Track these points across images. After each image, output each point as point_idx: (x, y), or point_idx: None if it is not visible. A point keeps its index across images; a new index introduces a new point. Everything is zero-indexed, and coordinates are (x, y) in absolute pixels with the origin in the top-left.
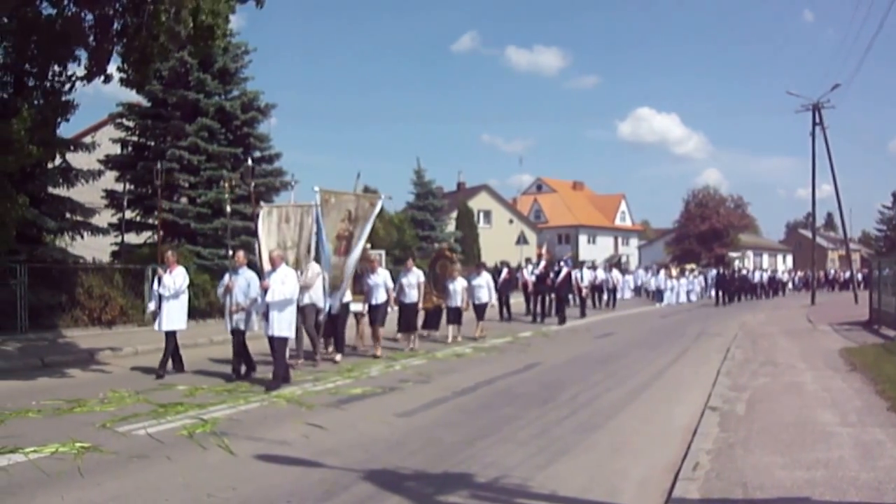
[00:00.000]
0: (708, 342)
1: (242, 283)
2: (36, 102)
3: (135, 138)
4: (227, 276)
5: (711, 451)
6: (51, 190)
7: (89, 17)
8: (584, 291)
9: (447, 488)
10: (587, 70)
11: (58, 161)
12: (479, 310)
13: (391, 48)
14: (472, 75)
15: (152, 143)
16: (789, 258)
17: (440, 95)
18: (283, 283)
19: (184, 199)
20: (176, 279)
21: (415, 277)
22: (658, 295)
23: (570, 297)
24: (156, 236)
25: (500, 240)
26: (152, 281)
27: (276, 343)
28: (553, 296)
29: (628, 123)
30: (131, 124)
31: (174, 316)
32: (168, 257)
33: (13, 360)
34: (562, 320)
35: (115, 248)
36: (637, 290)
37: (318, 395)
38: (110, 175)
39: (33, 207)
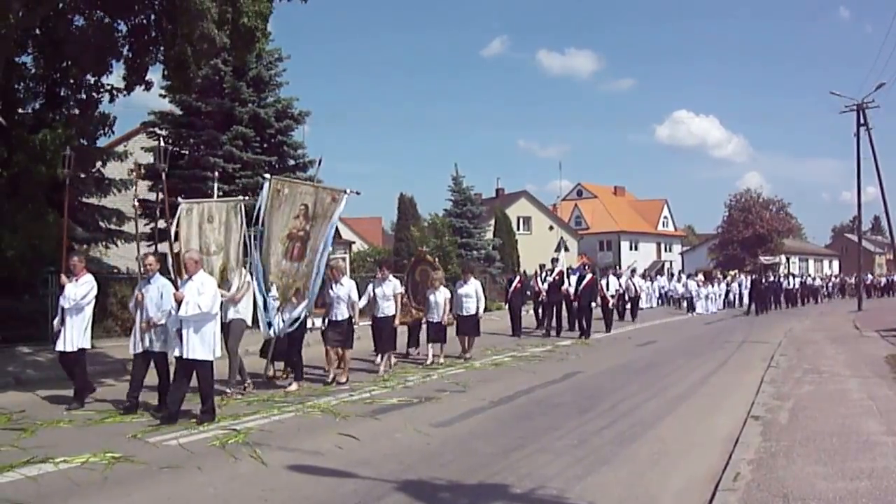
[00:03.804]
0: (752, 350)
1: (155, 293)
2: (69, 113)
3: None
4: (137, 288)
5: (753, 461)
6: (83, 199)
7: (122, 26)
8: (611, 302)
9: (481, 499)
10: (622, 73)
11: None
12: (467, 323)
13: (421, 55)
14: (505, 80)
15: (186, 152)
16: (835, 263)
17: (473, 101)
18: (201, 294)
19: None
20: (79, 289)
21: (391, 288)
22: (689, 303)
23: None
24: None
25: (539, 247)
26: (58, 292)
27: (198, 368)
28: (576, 306)
29: (666, 126)
30: (164, 133)
31: (77, 333)
32: (74, 262)
33: (45, 370)
34: (583, 333)
35: None
36: (664, 299)
37: (354, 406)
38: (143, 184)
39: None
